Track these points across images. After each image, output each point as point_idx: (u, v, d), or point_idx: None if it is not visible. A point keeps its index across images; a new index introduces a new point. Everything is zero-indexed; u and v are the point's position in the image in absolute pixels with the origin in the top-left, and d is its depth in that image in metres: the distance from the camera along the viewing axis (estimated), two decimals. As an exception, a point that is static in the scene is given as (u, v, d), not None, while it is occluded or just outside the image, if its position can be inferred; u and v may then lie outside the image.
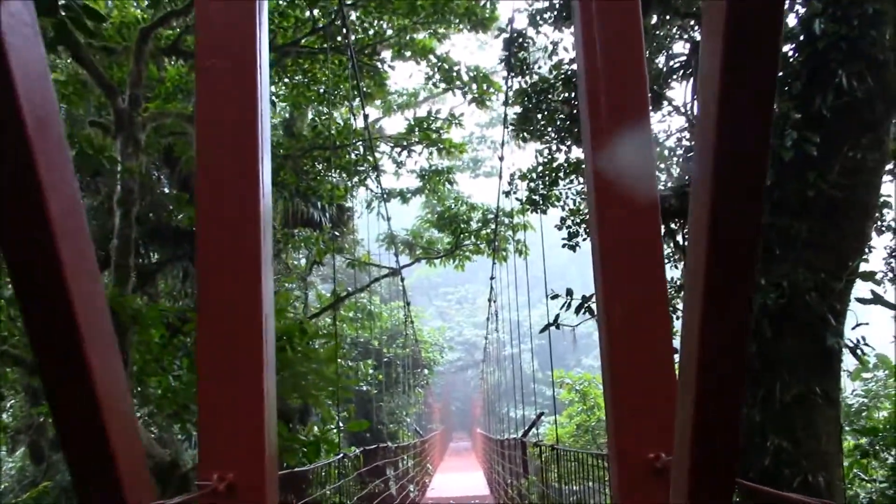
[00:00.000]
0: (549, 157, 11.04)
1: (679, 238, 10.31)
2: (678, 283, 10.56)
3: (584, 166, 9.89)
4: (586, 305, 8.65)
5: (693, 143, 10.34)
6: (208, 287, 3.26)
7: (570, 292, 8.38)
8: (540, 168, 11.21)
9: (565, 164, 11.09)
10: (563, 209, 11.44)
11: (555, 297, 8.47)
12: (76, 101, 11.29)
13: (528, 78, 10.21)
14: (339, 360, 15.77)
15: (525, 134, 10.77)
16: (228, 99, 3.33)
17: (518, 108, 10.75)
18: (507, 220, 15.20)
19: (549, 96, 10.10)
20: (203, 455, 3.16)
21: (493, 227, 15.44)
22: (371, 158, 12.79)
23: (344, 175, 13.82)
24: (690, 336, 1.78)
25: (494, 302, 17.57)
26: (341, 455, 7.16)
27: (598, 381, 20.82)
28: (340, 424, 8.94)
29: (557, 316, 8.54)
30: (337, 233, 15.91)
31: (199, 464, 3.15)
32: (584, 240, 11.43)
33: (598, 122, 3.32)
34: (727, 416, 1.89)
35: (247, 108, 3.31)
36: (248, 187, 3.29)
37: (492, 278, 16.22)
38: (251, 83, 3.33)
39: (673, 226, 10.22)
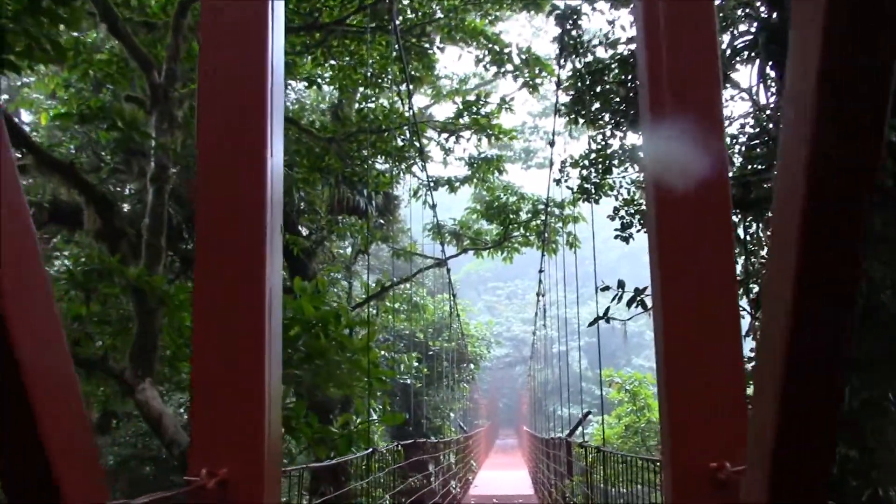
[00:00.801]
0: (603, 142, 10.53)
1: (740, 231, 9.73)
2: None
3: (641, 153, 9.35)
4: (639, 299, 8.13)
5: (759, 129, 9.76)
6: (206, 262, 2.93)
7: (621, 284, 7.87)
8: (593, 155, 10.69)
9: (620, 152, 10.55)
10: (617, 199, 10.91)
11: (605, 288, 7.97)
12: (119, 80, 11.07)
13: (582, 58, 9.71)
14: (379, 351, 15.48)
15: (578, 118, 10.27)
16: (234, 48, 2.97)
17: (571, 92, 10.27)
18: (557, 211, 14.71)
19: (605, 78, 9.59)
20: (195, 447, 2.81)
21: (542, 218, 14.94)
22: (417, 143, 12.38)
23: (390, 161, 13.45)
24: (773, 339, 1.50)
25: (543, 296, 17.02)
26: (370, 450, 6.76)
27: (650, 381, 20.22)
28: (375, 417, 8.57)
29: (608, 309, 8.03)
30: (382, 221, 15.56)
31: (190, 457, 2.82)
32: (638, 231, 10.90)
33: (661, 105, 2.91)
34: (818, 428, 1.53)
35: (255, 61, 2.94)
36: (254, 152, 2.93)
37: (540, 271, 15.69)
38: (260, 34, 2.96)
39: (734, 218, 9.64)
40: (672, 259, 2.90)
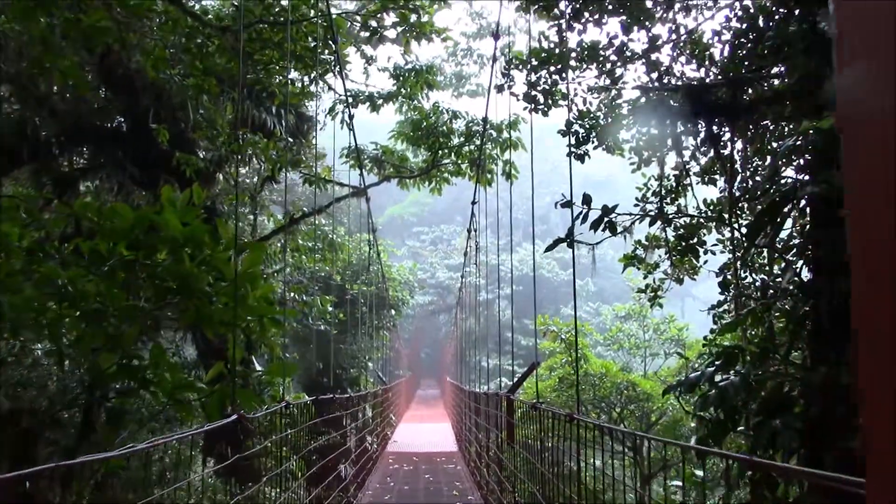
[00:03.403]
0: (559, 36, 8.67)
1: (726, 144, 8.01)
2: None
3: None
4: (607, 220, 6.37)
5: (747, 23, 8.01)
6: None
7: (587, 200, 6.07)
8: (544, 54, 8.81)
9: (578, 49, 8.71)
10: (571, 109, 9.09)
11: (566, 204, 6.17)
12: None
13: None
14: (278, 287, 13.46)
15: (529, 4, 8.37)
16: None
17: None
18: (493, 134, 12.82)
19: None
20: None
21: (477, 142, 13.03)
22: (332, 43, 10.28)
23: (300, 67, 11.33)
24: None
25: (475, 231, 15.17)
26: (233, 417, 4.82)
27: (587, 330, 18.72)
28: (260, 368, 6.65)
29: (571, 229, 6.24)
30: (292, 141, 13.45)
31: None
32: (595, 148, 9.12)
33: None
34: None
35: None
36: None
37: (473, 203, 13.82)
38: None
39: (714, 129, 7.92)
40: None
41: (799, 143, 6.11)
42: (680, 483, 13.31)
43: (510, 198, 10.12)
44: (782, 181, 7.25)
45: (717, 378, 6.06)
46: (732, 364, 6.13)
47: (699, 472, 12.62)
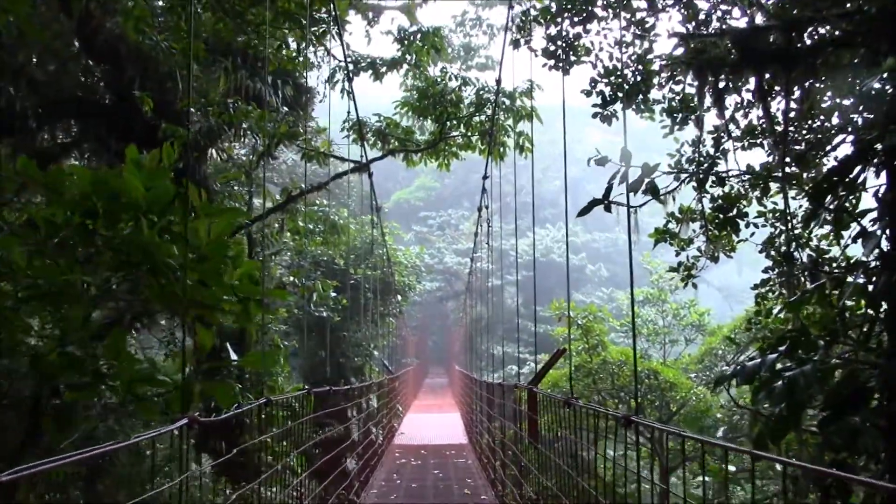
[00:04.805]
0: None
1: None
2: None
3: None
4: (648, 182, 5.41)
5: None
6: None
7: (626, 157, 5.10)
8: (566, 2, 7.83)
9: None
10: (595, 66, 8.11)
11: (601, 161, 5.21)
12: None
13: None
14: (278, 272, 12.51)
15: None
16: None
17: None
18: (507, 102, 11.82)
19: None
20: None
21: (488, 112, 12.03)
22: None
23: (293, 28, 10.37)
24: None
25: (487, 208, 14.14)
26: (184, 421, 3.81)
27: (605, 315, 17.73)
28: (235, 357, 5.66)
29: (609, 189, 5.28)
30: (288, 111, 12.48)
31: None
32: (624, 109, 8.14)
33: None
34: None
35: None
36: None
37: (485, 178, 12.82)
38: None
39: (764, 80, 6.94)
40: None
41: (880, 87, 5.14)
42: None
43: (532, 170, 9.13)
44: (848, 138, 6.30)
45: (779, 366, 5.12)
46: (798, 350, 5.19)
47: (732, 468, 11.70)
